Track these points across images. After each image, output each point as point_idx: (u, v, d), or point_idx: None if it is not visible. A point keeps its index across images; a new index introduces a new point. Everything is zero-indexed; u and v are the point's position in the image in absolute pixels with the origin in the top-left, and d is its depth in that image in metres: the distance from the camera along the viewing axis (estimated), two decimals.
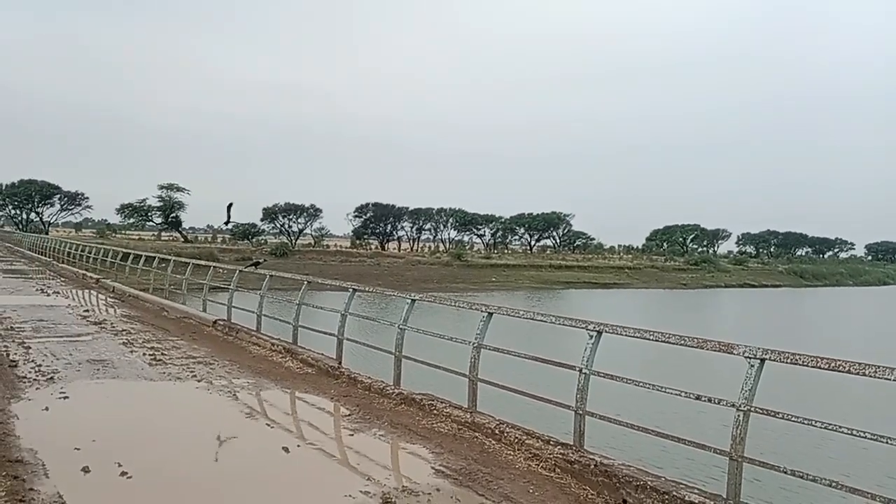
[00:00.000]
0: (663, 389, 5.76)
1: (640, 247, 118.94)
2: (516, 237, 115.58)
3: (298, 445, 6.69)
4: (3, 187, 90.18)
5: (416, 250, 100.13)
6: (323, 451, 6.66)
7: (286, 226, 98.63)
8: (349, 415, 7.89)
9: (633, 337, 6.36)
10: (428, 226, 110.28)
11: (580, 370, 6.29)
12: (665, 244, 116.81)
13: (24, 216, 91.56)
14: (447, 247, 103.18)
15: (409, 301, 9.03)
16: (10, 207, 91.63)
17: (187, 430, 7.30)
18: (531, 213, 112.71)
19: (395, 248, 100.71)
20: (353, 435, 7.11)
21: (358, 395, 8.73)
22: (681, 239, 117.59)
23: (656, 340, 6.16)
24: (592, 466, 5.79)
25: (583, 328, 6.55)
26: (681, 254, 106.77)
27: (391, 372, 8.92)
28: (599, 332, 6.36)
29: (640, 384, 6.05)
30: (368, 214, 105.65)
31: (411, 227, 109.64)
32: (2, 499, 5.00)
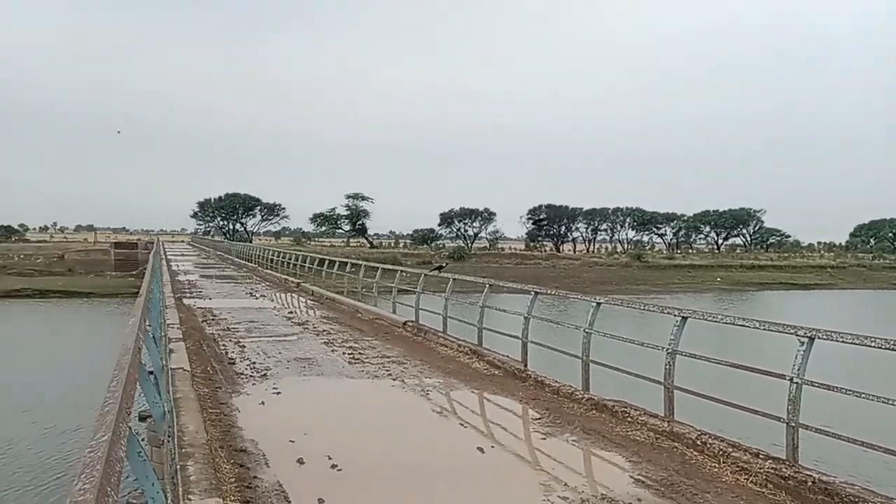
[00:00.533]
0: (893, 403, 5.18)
1: (842, 244, 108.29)
2: (701, 236, 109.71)
3: (492, 446, 6.77)
4: (213, 201, 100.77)
5: (593, 251, 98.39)
6: (516, 454, 6.69)
7: (462, 230, 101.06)
8: (539, 418, 7.87)
9: (852, 343, 5.78)
10: (604, 226, 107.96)
11: (791, 379, 5.83)
12: (872, 240, 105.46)
13: (231, 226, 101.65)
14: (625, 247, 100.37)
15: (595, 304, 8.87)
16: (219, 219, 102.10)
17: (386, 425, 7.66)
18: (717, 210, 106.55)
19: (570, 250, 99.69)
20: (545, 439, 7.08)
21: (546, 399, 8.69)
22: (890, 234, 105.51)
23: (879, 347, 5.56)
24: (810, 483, 5.32)
25: (792, 334, 6.07)
26: (891, 251, 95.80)
27: (574, 375, 8.84)
28: (811, 339, 5.86)
29: (866, 396, 5.46)
30: (542, 216, 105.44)
31: (586, 228, 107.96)
32: (231, 484, 5.52)
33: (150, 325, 8.37)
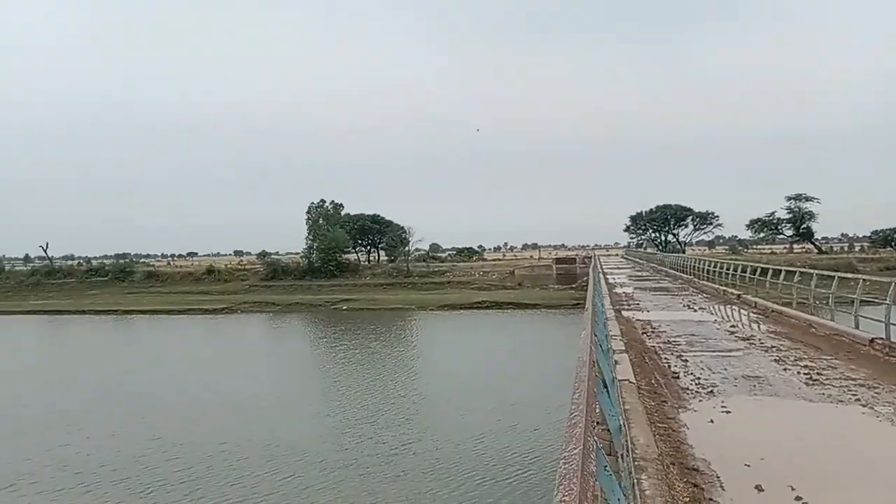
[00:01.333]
0: None
1: None
2: None
3: None
4: (644, 213, 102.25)
5: None
6: None
7: None
8: None
9: None
10: None
11: None
12: None
13: (663, 238, 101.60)
14: None
15: None
16: (651, 231, 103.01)
17: (857, 458, 6.68)
18: None
19: None
20: None
21: None
22: None
23: None
24: None
25: None
26: None
27: None
28: None
29: None
30: None
31: None
32: (686, 503, 5.43)
33: (597, 336, 8.83)
